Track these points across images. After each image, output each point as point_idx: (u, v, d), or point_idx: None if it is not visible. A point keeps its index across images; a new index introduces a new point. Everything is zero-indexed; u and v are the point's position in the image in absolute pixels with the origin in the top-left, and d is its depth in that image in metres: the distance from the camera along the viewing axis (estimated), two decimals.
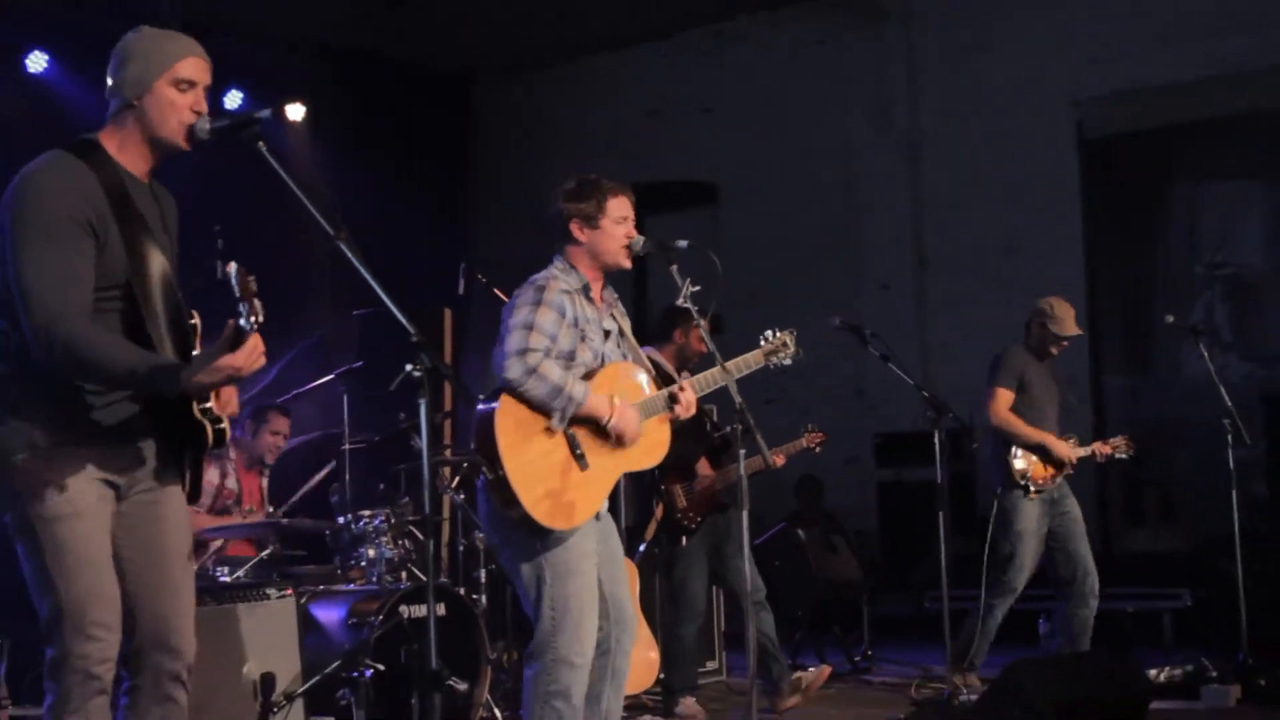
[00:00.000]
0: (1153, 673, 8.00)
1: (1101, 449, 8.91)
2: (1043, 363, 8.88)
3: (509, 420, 5.44)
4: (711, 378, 5.89)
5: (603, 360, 5.73)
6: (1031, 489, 8.59)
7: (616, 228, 5.73)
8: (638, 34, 15.10)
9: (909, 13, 14.02)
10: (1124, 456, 9.01)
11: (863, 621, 10.78)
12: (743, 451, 5.69)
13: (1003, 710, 6.41)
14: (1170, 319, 9.23)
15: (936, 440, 8.18)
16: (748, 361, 6.11)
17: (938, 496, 8.24)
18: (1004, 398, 8.66)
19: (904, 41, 14.06)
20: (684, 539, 8.28)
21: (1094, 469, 12.55)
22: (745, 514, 5.74)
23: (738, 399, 5.65)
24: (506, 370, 5.44)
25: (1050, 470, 8.66)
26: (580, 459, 5.52)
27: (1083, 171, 13.26)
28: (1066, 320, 8.78)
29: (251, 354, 4.02)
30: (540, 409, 5.46)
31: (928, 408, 8.11)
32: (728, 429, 5.88)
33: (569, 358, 5.60)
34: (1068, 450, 8.66)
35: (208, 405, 4.33)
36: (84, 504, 4.24)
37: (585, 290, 5.72)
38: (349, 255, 4.19)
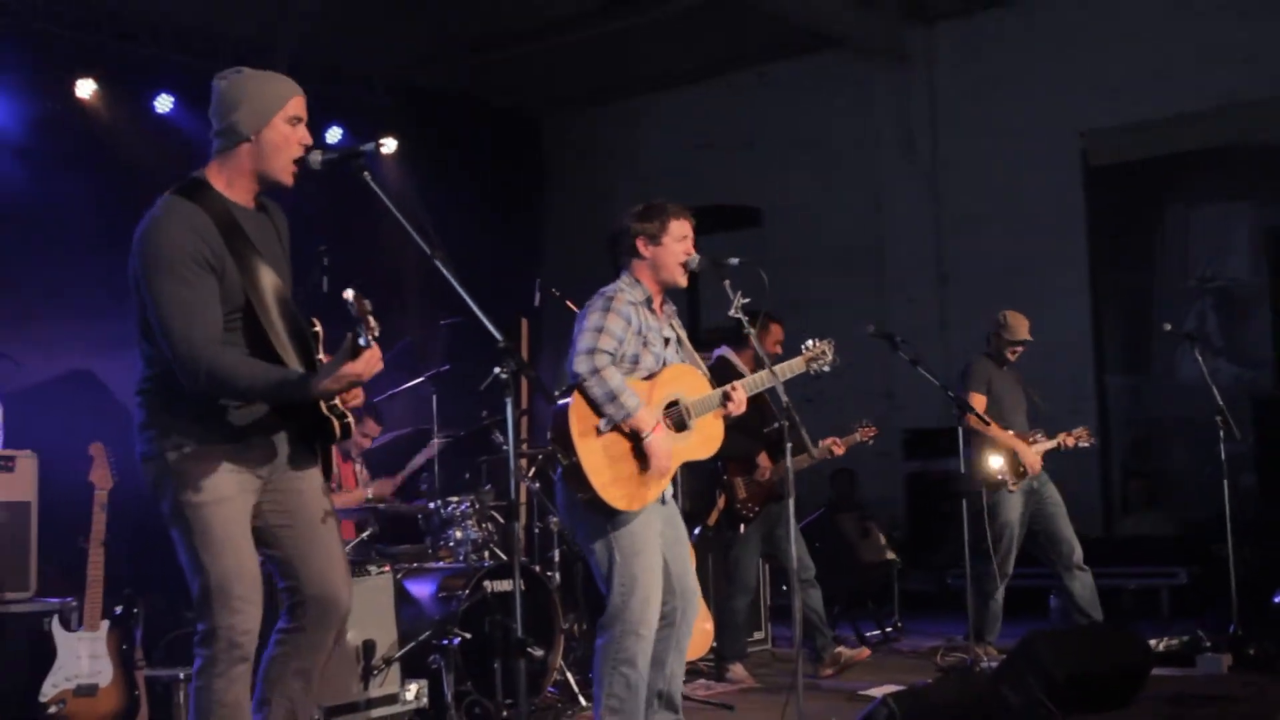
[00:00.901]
0: (1152, 643, 7.93)
1: (1066, 440, 8.85)
2: (1004, 369, 8.89)
3: (580, 412, 5.48)
4: (760, 379, 5.90)
5: (664, 364, 5.75)
6: (1010, 484, 8.57)
7: (676, 245, 5.75)
8: (690, 75, 15.14)
9: (930, 55, 14.00)
10: (1085, 445, 8.95)
11: (893, 596, 10.76)
12: (789, 445, 5.68)
13: (1020, 676, 6.38)
14: (1168, 327, 9.16)
15: (960, 435, 8.17)
16: (791, 366, 6.12)
17: (961, 486, 8.23)
18: (977, 402, 8.63)
19: (925, 81, 14.03)
20: (742, 526, 8.29)
21: (1098, 462, 12.60)
22: (791, 502, 5.74)
23: (784, 398, 5.66)
24: (575, 365, 5.50)
25: (1022, 468, 8.63)
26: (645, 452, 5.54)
27: (1087, 195, 13.22)
28: (1019, 328, 8.86)
29: (370, 361, 4.06)
30: (594, 408, 5.49)
31: (954, 407, 8.10)
32: (775, 425, 5.86)
33: (634, 361, 5.64)
34: (1034, 459, 8.63)
35: (334, 402, 4.36)
36: (226, 492, 4.28)
37: (648, 302, 5.75)
38: (443, 270, 4.21)
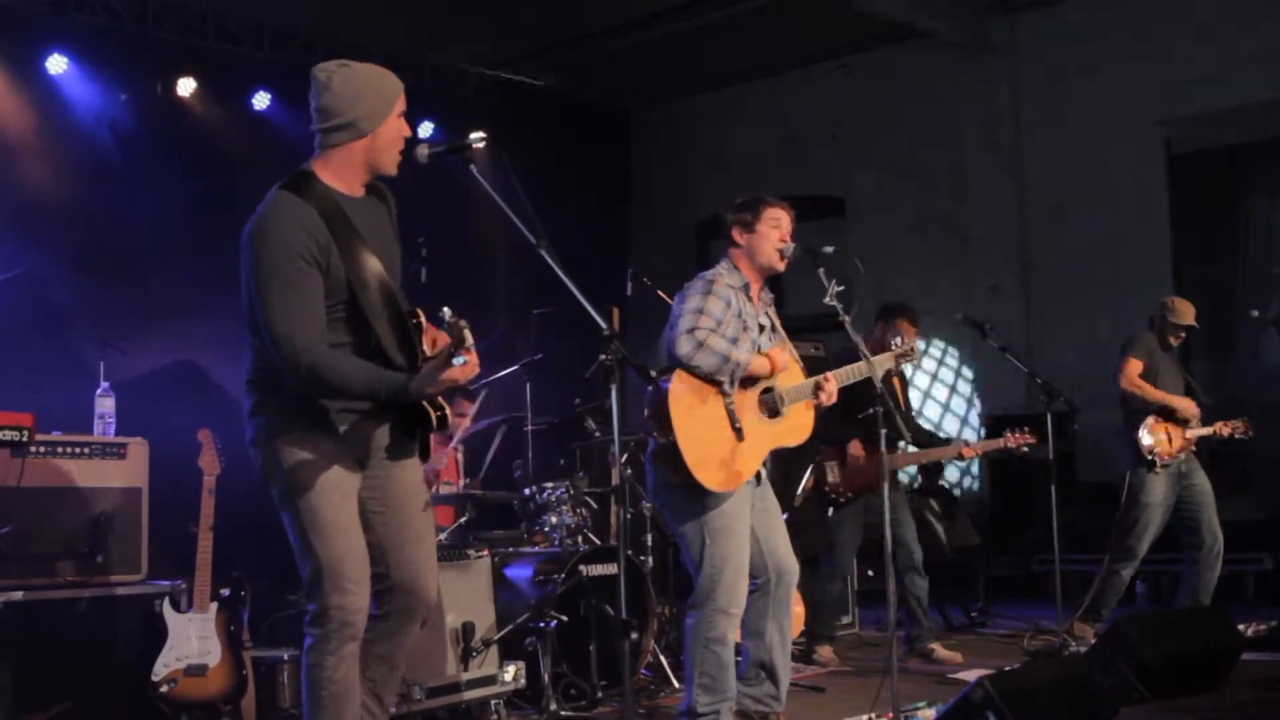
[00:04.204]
0: (1241, 628, 7.84)
1: (1222, 429, 8.69)
2: (1166, 352, 8.71)
3: (681, 392, 5.52)
4: (853, 371, 5.92)
5: (759, 349, 5.77)
6: (1158, 464, 8.42)
7: (770, 232, 5.82)
8: (773, 67, 15.09)
9: (1013, 45, 13.86)
10: (1242, 437, 8.79)
11: (978, 581, 10.69)
12: (884, 431, 5.67)
13: (1111, 659, 6.33)
14: (1255, 313, 9.06)
15: (1049, 421, 8.10)
16: (880, 361, 6.12)
17: (1050, 471, 8.15)
18: (1134, 366, 8.48)
19: (1009, 70, 13.89)
20: (830, 510, 8.27)
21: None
22: (887, 487, 5.74)
23: (879, 385, 5.66)
24: (678, 347, 5.52)
25: (1177, 444, 8.48)
26: (738, 431, 5.55)
27: (1170, 183, 13.03)
28: (1185, 313, 8.69)
29: (467, 370, 4.10)
30: (710, 378, 5.51)
31: (1041, 393, 8.02)
32: (870, 411, 5.86)
33: (732, 344, 5.65)
34: (1190, 405, 8.46)
35: None
36: (334, 478, 4.33)
37: (746, 289, 5.80)
38: (549, 259, 4.22)
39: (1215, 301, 13.16)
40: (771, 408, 5.75)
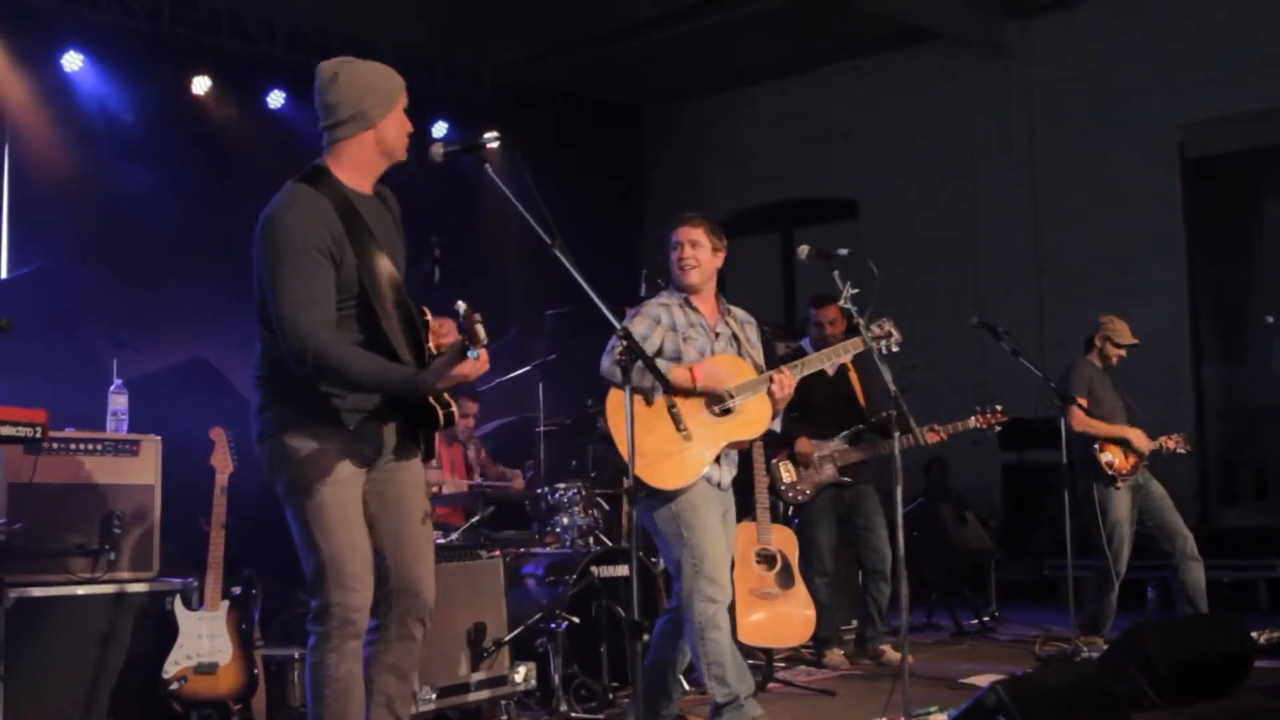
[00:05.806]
0: (1253, 635, 7.80)
1: (1166, 443, 8.70)
2: (1105, 373, 8.72)
3: (613, 405, 5.71)
4: (808, 363, 5.97)
5: (711, 353, 5.86)
6: (1119, 480, 8.42)
7: (671, 254, 5.96)
8: (788, 68, 15.12)
9: (1027, 48, 13.84)
10: (1182, 452, 8.79)
11: (990, 586, 10.64)
12: (897, 434, 5.65)
13: (1123, 666, 6.30)
14: (1270, 319, 9.08)
15: (1062, 426, 8.08)
16: (850, 345, 6.18)
17: (1064, 477, 8.14)
18: (1078, 413, 8.49)
19: (1022, 74, 13.87)
20: (791, 510, 8.29)
21: (1196, 456, 12.41)
22: (899, 490, 5.70)
23: (893, 387, 5.63)
24: (602, 369, 5.70)
25: (1132, 459, 8.48)
26: (684, 432, 5.67)
27: (1184, 188, 13.02)
28: (1124, 331, 8.70)
29: (478, 366, 4.09)
30: (636, 392, 5.54)
31: (1055, 398, 7.99)
32: (884, 414, 5.85)
33: (675, 356, 5.79)
34: (1143, 439, 8.47)
35: None
36: (339, 474, 4.33)
37: (686, 301, 5.92)
38: (563, 260, 4.22)
39: (1228, 306, 13.16)
40: (721, 404, 5.80)
